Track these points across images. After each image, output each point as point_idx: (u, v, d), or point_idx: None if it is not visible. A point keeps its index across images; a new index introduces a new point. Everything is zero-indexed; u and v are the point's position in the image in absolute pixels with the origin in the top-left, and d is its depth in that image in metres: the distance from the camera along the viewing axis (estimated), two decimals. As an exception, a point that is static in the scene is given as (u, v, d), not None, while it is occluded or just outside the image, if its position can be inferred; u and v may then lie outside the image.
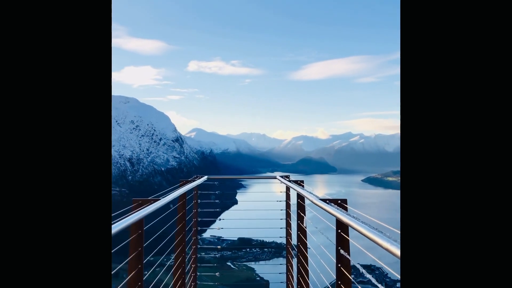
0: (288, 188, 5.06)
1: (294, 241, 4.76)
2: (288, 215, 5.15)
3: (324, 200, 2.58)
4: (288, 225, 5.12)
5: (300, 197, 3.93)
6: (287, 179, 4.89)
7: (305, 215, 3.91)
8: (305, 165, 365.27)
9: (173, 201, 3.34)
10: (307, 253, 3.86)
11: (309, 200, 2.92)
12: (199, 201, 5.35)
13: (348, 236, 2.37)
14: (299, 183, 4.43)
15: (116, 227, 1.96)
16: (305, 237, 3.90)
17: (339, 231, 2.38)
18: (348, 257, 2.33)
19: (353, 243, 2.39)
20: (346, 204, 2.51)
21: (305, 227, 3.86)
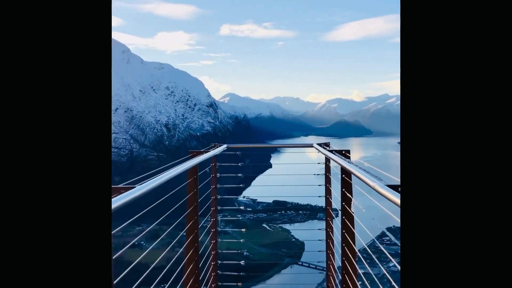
0: (328, 159, 4.15)
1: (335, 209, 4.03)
2: (328, 192, 4.28)
3: (392, 187, 1.68)
4: (329, 203, 4.24)
5: (346, 173, 3.06)
6: (327, 148, 3.98)
7: (352, 196, 3.04)
8: (339, 128, 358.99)
9: (180, 176, 2.55)
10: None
11: (367, 184, 2.00)
12: (218, 175, 4.38)
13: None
14: (344, 153, 3.43)
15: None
16: (352, 222, 3.08)
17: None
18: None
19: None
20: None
21: (353, 212, 3.01)
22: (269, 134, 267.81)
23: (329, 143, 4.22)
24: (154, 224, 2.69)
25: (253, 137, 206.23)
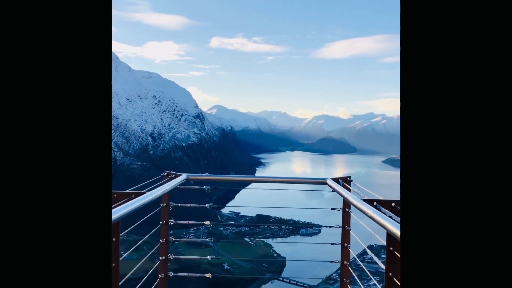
0: (347, 204, 2.73)
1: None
2: (345, 255, 2.75)
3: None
4: (346, 273, 2.79)
5: (394, 244, 1.62)
6: (348, 186, 2.57)
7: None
8: (325, 144, 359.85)
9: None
10: None
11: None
12: (171, 221, 2.82)
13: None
14: (394, 206, 1.82)
15: None
16: None
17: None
18: None
19: None
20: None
21: None
22: (255, 147, 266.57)
23: (349, 177, 2.82)
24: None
25: (239, 149, 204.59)
